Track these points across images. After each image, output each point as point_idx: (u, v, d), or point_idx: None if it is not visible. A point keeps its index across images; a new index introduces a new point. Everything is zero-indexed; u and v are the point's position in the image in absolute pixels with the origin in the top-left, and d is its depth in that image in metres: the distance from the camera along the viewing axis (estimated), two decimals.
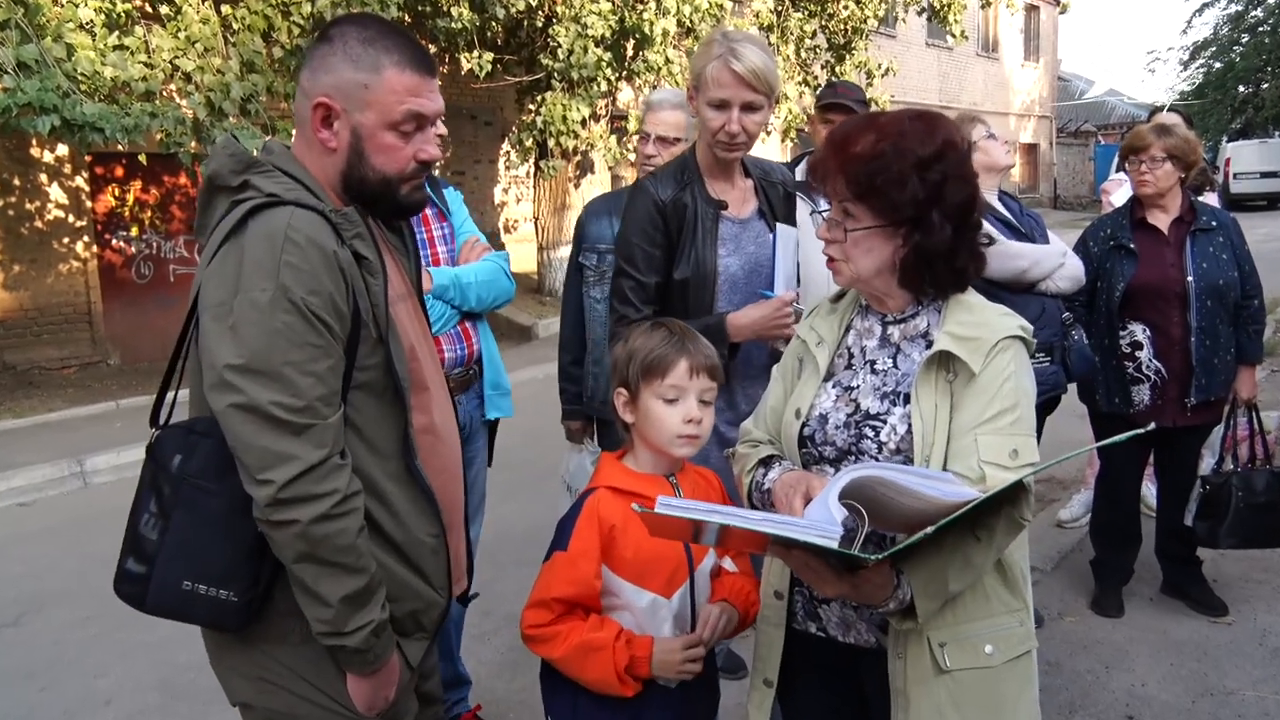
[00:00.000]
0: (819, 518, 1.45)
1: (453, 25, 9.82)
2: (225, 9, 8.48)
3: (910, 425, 1.67)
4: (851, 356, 1.84)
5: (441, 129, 1.79)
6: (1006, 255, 3.32)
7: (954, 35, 16.34)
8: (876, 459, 1.71)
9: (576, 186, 12.70)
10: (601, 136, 11.76)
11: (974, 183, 1.72)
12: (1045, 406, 3.64)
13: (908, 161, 1.64)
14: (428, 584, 1.78)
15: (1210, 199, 4.91)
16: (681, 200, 2.65)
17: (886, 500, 1.48)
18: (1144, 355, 3.74)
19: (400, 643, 1.75)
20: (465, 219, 3.18)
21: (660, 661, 1.87)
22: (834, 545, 1.40)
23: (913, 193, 1.64)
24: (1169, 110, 5.42)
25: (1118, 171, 5.16)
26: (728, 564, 2.05)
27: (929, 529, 1.39)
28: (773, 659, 1.89)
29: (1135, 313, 3.75)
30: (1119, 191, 4.90)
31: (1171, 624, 3.90)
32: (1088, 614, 4.03)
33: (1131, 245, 3.76)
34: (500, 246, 14.04)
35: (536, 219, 13.03)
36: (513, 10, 10.23)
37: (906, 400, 1.70)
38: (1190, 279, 3.69)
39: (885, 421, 1.71)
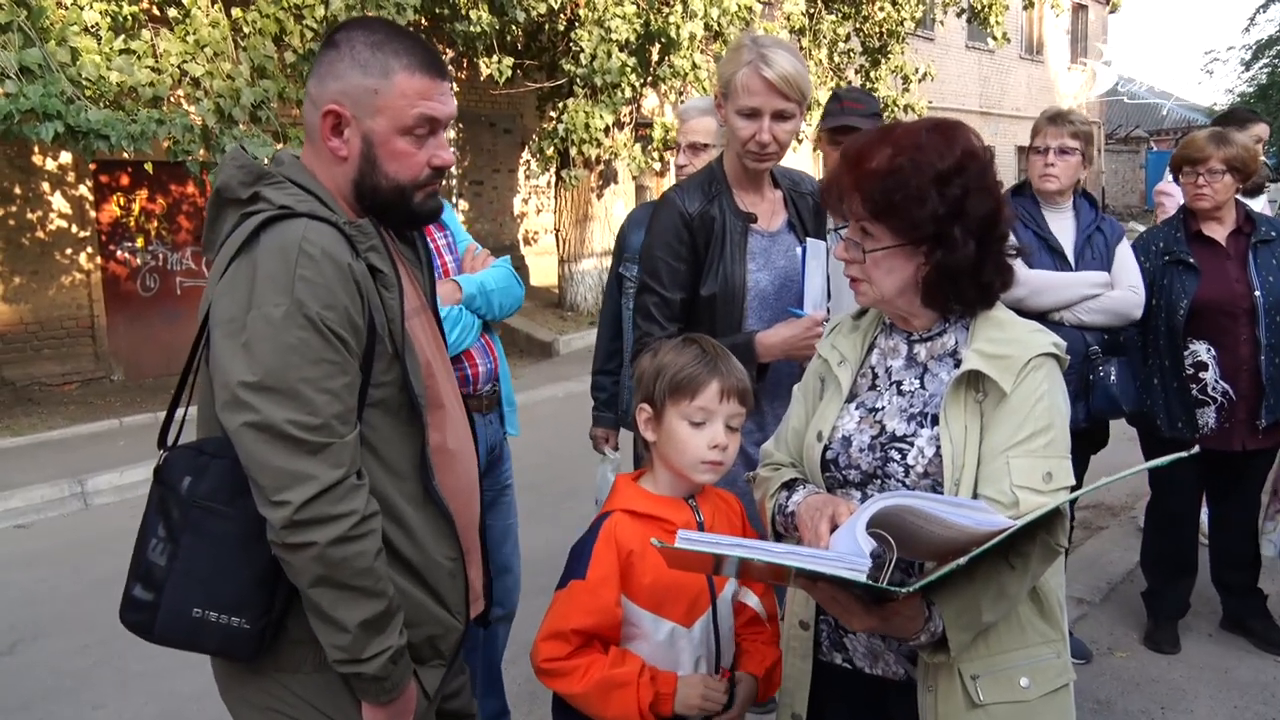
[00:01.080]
0: (845, 548, 1.45)
1: (471, 29, 9.92)
2: (235, 12, 8.59)
3: (939, 448, 1.68)
4: (875, 376, 1.84)
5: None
6: None
7: (995, 37, 16.33)
8: (903, 483, 1.71)
9: (599, 197, 12.74)
10: (625, 145, 11.82)
11: (998, 193, 1.72)
12: (1091, 442, 3.61)
13: (926, 176, 1.64)
14: (445, 609, 1.80)
15: (1265, 202, 4.84)
16: (709, 213, 2.66)
17: (915, 529, 1.48)
18: (1209, 376, 3.69)
19: (417, 670, 1.76)
20: (459, 227, 3.21)
21: (684, 695, 1.87)
22: (862, 579, 1.41)
23: (933, 209, 1.64)
24: (1237, 113, 5.26)
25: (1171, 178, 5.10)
26: (750, 600, 2.05)
27: (962, 559, 1.39)
28: (801, 693, 1.89)
29: (1197, 331, 3.70)
30: (1179, 194, 4.84)
31: (1233, 662, 3.85)
32: (1141, 650, 3.98)
33: (1191, 260, 3.71)
34: (520, 259, 14.18)
35: (558, 230, 13.07)
36: (534, 14, 10.32)
37: (934, 422, 1.70)
38: (1258, 294, 3.65)
39: (912, 444, 1.72)
